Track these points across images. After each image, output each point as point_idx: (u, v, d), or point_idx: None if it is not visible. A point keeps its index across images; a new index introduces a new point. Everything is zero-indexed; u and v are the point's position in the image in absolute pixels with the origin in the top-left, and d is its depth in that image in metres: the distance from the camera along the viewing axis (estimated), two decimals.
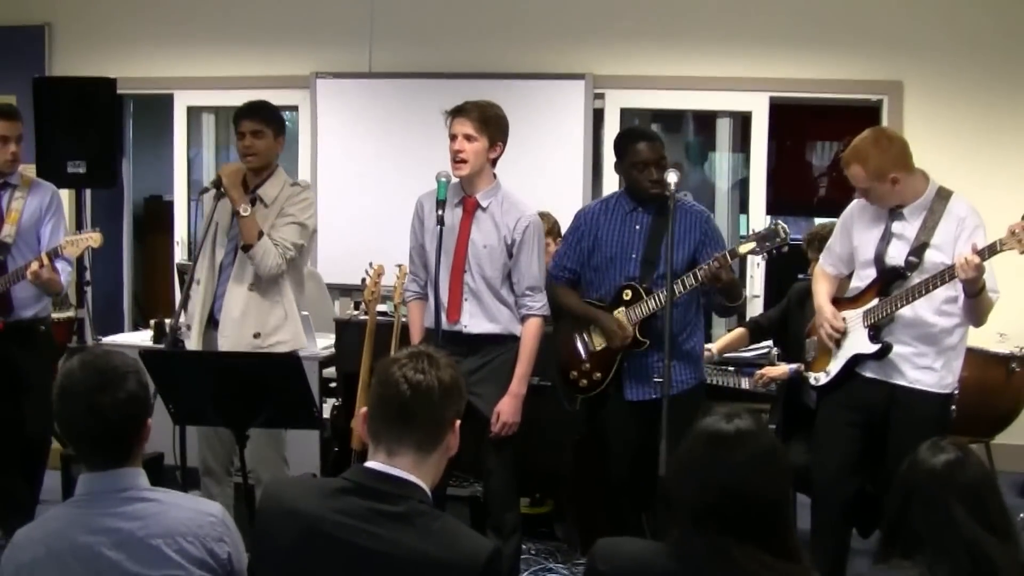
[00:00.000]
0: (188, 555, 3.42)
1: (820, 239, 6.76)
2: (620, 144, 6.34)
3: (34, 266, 6.54)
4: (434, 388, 3.26)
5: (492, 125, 6.21)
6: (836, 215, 6.35)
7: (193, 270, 6.57)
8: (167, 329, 6.66)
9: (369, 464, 3.26)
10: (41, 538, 3.42)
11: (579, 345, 6.40)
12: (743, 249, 5.94)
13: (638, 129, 6.68)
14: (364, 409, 3.38)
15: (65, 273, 6.91)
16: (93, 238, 6.73)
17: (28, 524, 3.54)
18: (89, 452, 3.50)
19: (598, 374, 6.32)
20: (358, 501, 3.18)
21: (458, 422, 3.39)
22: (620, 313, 6.22)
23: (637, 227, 6.28)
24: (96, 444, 3.47)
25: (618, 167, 6.38)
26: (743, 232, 10.63)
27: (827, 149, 12.69)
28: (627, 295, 6.21)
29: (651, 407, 5.94)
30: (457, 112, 6.24)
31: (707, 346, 7.35)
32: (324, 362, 8.09)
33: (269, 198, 6.63)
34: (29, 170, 7.48)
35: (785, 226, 5.91)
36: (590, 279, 6.45)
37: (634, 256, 6.26)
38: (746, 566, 3.03)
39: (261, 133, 6.60)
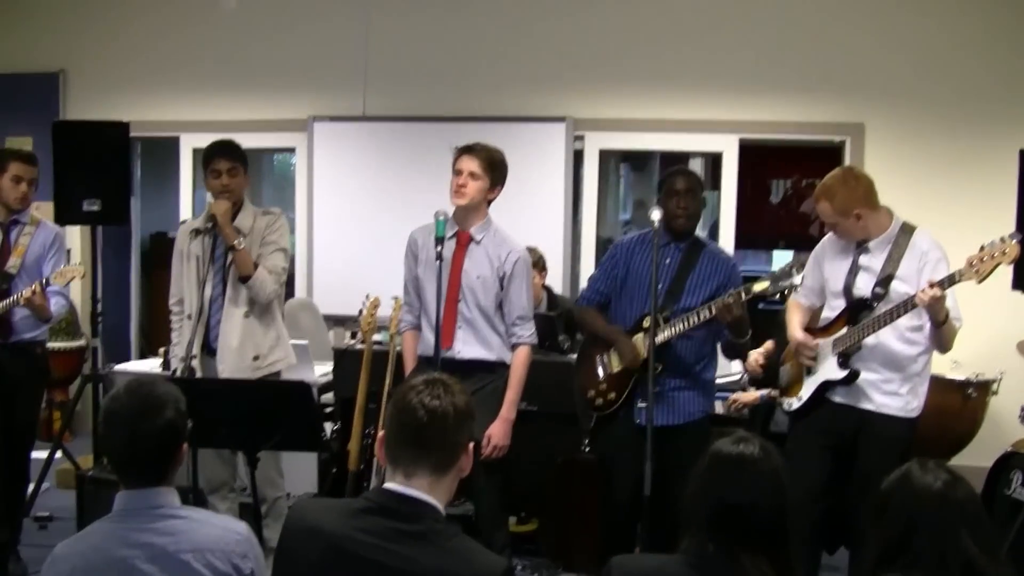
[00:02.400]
0: (215, 569, 3.45)
1: None
2: (663, 179, 6.36)
3: (26, 292, 6.68)
4: (449, 413, 3.28)
5: (496, 169, 6.28)
6: (794, 248, 6.36)
7: (200, 304, 6.56)
8: (173, 359, 6.70)
9: (388, 485, 3.28)
10: (80, 551, 3.45)
11: (599, 366, 6.39)
12: (758, 287, 5.90)
13: (681, 168, 6.70)
14: (382, 433, 3.38)
15: (59, 306, 7.04)
16: (77, 271, 6.86)
17: (68, 538, 3.56)
18: (128, 472, 3.54)
19: (612, 394, 6.28)
20: (379, 520, 3.20)
21: (471, 444, 3.41)
22: (639, 338, 6.20)
23: (667, 260, 6.23)
24: (135, 465, 3.52)
25: (660, 202, 6.37)
26: None
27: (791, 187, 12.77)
28: (647, 323, 6.19)
29: (661, 431, 5.93)
30: (467, 150, 6.29)
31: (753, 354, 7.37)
32: (322, 388, 8.10)
33: (246, 228, 6.68)
34: (47, 207, 7.52)
35: (799, 267, 5.93)
36: (619, 304, 6.43)
37: (660, 287, 6.20)
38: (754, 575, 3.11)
39: (236, 170, 6.66)
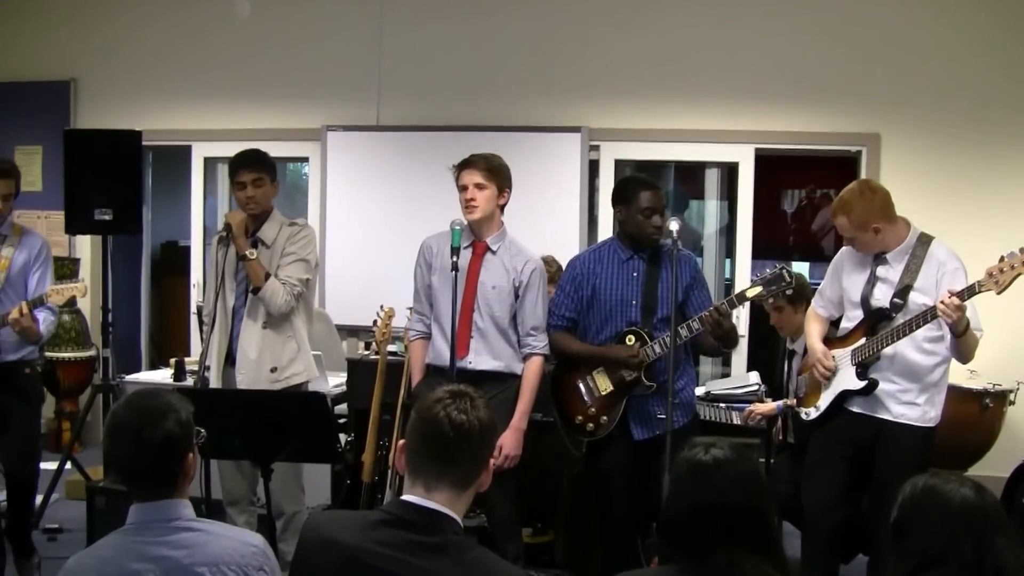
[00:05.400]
0: None
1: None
2: (624, 191, 6.32)
3: (14, 313, 6.50)
4: (475, 429, 3.26)
5: (498, 174, 6.32)
6: (809, 260, 6.33)
7: (215, 315, 6.58)
8: (197, 369, 6.66)
9: (407, 498, 3.25)
10: (93, 565, 3.43)
11: (583, 390, 6.37)
12: (750, 293, 5.94)
13: (640, 178, 6.56)
14: (402, 442, 3.36)
15: (48, 323, 6.77)
16: (78, 288, 6.69)
17: (81, 551, 3.55)
18: (135, 484, 3.53)
19: (604, 418, 6.27)
20: (397, 532, 3.17)
21: (492, 461, 3.40)
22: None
23: (635, 274, 6.26)
24: (141, 477, 3.50)
25: (620, 213, 6.34)
26: (727, 275, 10.69)
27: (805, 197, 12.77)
28: (630, 340, 6.17)
29: (652, 445, 5.92)
30: (465, 164, 6.34)
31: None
32: (336, 399, 8.07)
33: (269, 239, 6.68)
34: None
35: (789, 270, 5.93)
36: (589, 325, 6.41)
37: (634, 303, 6.23)
38: (750, 574, 3.13)
39: (261, 181, 6.65)
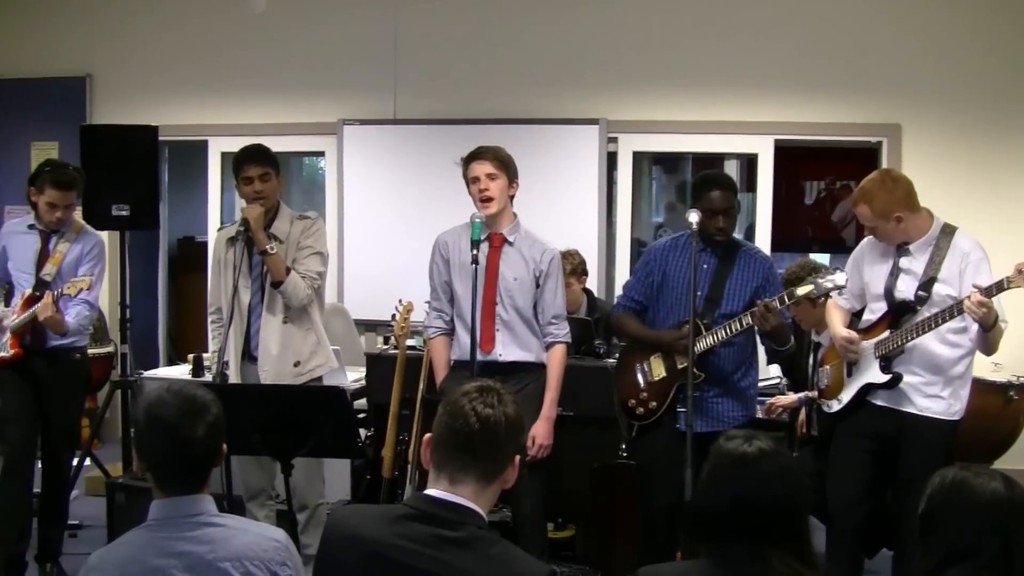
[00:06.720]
0: None
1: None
2: (696, 189, 6.24)
3: (39, 307, 6.64)
4: (501, 423, 3.24)
5: (507, 165, 6.37)
6: (830, 251, 6.29)
7: (231, 312, 6.57)
8: (213, 365, 6.67)
9: (430, 492, 3.25)
10: (116, 561, 3.43)
11: (639, 374, 6.33)
12: (801, 291, 5.88)
13: (714, 175, 6.48)
14: (428, 436, 3.35)
15: (80, 316, 6.94)
16: (85, 281, 6.75)
17: (103, 547, 3.55)
18: (168, 478, 3.51)
19: (654, 403, 6.22)
20: (420, 527, 3.17)
21: (517, 457, 3.38)
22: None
23: (704, 266, 6.17)
24: (177, 470, 3.50)
25: (692, 205, 6.29)
26: None
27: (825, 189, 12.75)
28: (687, 328, 6.14)
29: (702, 439, 5.86)
30: (474, 156, 6.37)
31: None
32: (355, 394, 8.09)
33: (282, 234, 6.69)
34: (75, 213, 7.47)
35: (844, 272, 5.88)
36: (657, 311, 6.37)
37: (699, 293, 6.11)
38: (782, 571, 3.11)
39: (267, 175, 6.65)
